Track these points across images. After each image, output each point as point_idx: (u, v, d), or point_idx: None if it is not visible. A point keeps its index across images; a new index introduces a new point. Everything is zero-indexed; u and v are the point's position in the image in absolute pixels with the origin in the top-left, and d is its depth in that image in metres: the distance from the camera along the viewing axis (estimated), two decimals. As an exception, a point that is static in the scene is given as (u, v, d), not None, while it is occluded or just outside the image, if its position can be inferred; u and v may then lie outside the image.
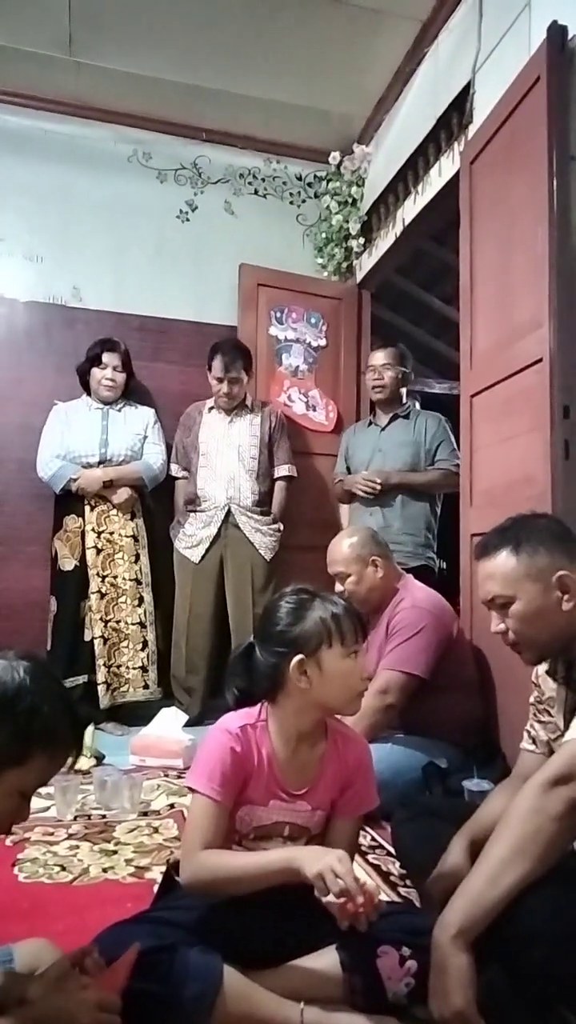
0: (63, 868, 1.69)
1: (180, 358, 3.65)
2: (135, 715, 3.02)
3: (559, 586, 1.22)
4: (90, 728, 2.57)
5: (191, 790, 1.17)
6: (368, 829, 1.88)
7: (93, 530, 3.12)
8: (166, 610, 3.26)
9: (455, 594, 2.54)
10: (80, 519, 3.13)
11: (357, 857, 1.61)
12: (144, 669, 3.13)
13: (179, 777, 2.36)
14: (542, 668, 1.35)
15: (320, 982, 1.08)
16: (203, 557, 3.18)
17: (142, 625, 3.16)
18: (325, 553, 2.35)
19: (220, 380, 3.20)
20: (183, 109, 3.61)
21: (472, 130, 2.66)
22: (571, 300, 2.09)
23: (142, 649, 3.14)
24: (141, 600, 3.17)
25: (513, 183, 2.30)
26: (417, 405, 3.29)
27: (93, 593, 3.08)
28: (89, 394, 3.31)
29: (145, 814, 2.06)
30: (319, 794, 1.23)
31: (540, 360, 2.11)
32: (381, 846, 1.84)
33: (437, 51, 3.02)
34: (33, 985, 0.91)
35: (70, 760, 0.95)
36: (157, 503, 3.35)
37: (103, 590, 3.10)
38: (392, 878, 1.66)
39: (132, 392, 3.40)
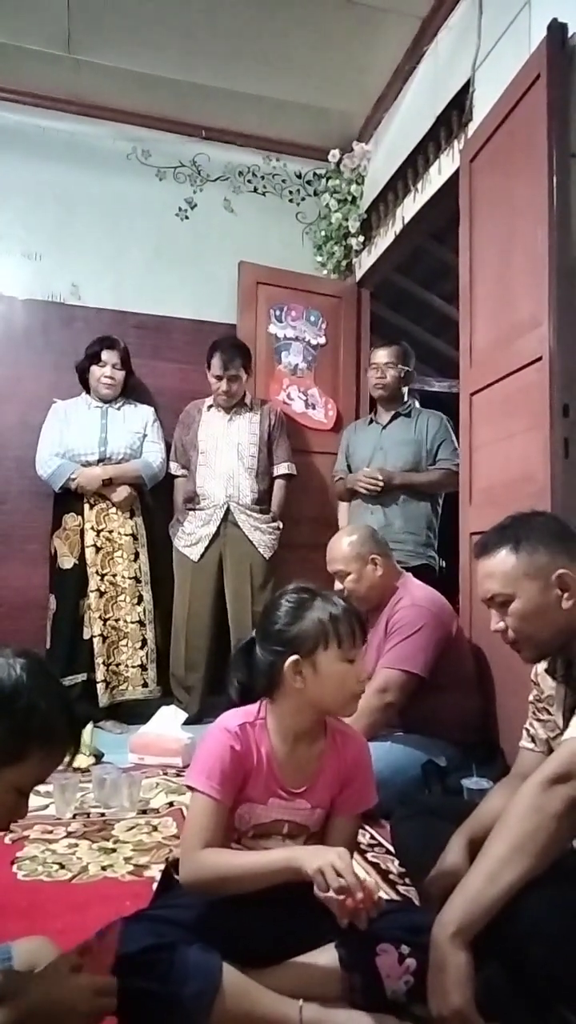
0: (62, 866, 1.69)
1: (179, 356, 3.65)
2: (134, 713, 3.02)
3: (558, 584, 1.22)
4: (89, 726, 2.57)
5: (190, 788, 1.17)
6: (367, 827, 1.89)
7: (92, 528, 3.12)
8: (165, 608, 3.25)
9: (455, 593, 2.54)
10: (79, 517, 3.13)
11: (356, 855, 1.61)
12: (143, 667, 3.13)
13: (178, 775, 2.36)
14: (541, 666, 1.35)
15: (319, 980, 1.08)
16: (202, 555, 3.18)
17: (141, 623, 3.16)
18: (324, 551, 2.35)
19: (219, 378, 3.20)
20: (182, 107, 3.61)
21: (472, 128, 2.66)
22: (571, 298, 2.09)
23: (141, 647, 3.14)
24: (140, 598, 3.16)
25: (513, 181, 2.30)
26: (417, 403, 3.28)
27: (92, 591, 3.08)
28: (88, 392, 3.31)
29: (144, 812, 2.06)
30: (318, 792, 1.23)
31: (540, 358, 2.11)
32: (380, 844, 1.84)
33: (437, 49, 3.01)
34: (31, 983, 0.91)
35: (68, 757, 0.94)
36: (156, 501, 3.35)
37: (102, 588, 3.10)
38: (391, 876, 1.66)
39: (131, 390, 3.40)
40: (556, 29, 2.13)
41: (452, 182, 2.80)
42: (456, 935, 1.01)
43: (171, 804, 2.12)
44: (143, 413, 3.36)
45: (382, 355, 3.19)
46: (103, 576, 3.11)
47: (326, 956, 1.10)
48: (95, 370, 3.25)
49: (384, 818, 1.76)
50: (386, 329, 4.76)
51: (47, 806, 2.05)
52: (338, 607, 1.20)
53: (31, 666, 0.89)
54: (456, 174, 2.74)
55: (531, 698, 1.39)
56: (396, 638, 2.16)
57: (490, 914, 1.02)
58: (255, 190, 3.88)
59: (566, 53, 2.12)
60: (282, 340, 3.72)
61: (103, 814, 2.04)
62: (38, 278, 3.55)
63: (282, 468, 3.32)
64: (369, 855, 1.78)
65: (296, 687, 1.17)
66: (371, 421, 3.27)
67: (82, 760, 2.39)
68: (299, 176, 3.94)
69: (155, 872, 1.63)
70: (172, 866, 1.24)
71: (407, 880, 1.60)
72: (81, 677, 3.03)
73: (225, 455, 3.22)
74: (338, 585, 2.26)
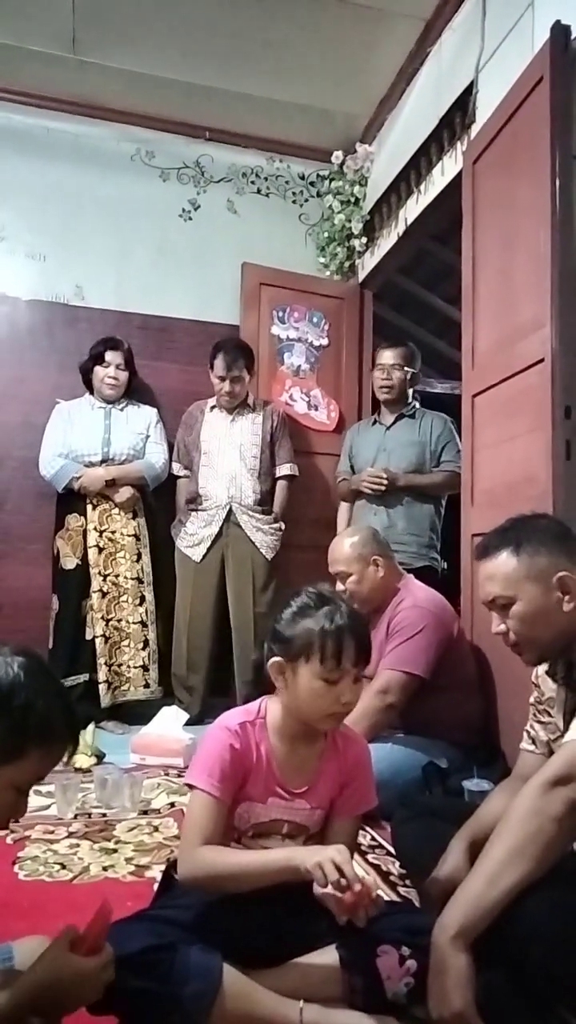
0: (63, 866, 1.70)
1: (182, 357, 3.66)
2: (136, 714, 3.02)
3: (560, 587, 1.22)
4: (91, 727, 2.58)
5: (190, 786, 1.17)
6: (368, 829, 1.89)
7: (95, 529, 3.13)
8: (167, 609, 3.26)
9: (456, 594, 2.54)
10: (82, 518, 3.14)
11: (357, 856, 1.61)
12: (145, 668, 3.13)
13: (179, 776, 2.36)
14: (542, 669, 1.35)
15: (320, 981, 1.08)
16: (204, 556, 3.19)
17: (143, 624, 3.16)
18: (326, 552, 2.35)
19: (222, 379, 3.21)
20: (186, 108, 3.61)
21: (475, 130, 2.66)
22: (573, 300, 2.09)
23: (143, 648, 3.14)
24: (142, 599, 3.17)
25: (516, 183, 2.30)
26: (418, 405, 3.28)
27: (95, 592, 3.09)
28: (92, 393, 3.31)
29: (145, 813, 2.07)
30: (318, 793, 1.23)
31: (542, 360, 2.11)
32: (381, 846, 1.84)
33: (440, 50, 3.01)
34: (33, 965, 0.91)
35: (67, 755, 0.95)
36: (159, 502, 3.35)
37: (105, 589, 3.10)
38: (392, 878, 1.66)
39: (134, 391, 3.41)
40: (559, 31, 2.13)
41: (455, 184, 2.80)
42: (457, 937, 1.01)
43: (172, 805, 2.13)
44: (146, 414, 3.36)
45: (388, 356, 3.18)
46: (105, 577, 3.11)
47: (327, 957, 1.10)
48: (99, 371, 3.26)
49: (385, 819, 1.76)
50: (388, 330, 4.75)
51: (49, 806, 2.06)
52: (334, 624, 1.14)
53: (29, 664, 0.90)
54: (459, 176, 2.73)
55: (532, 700, 1.39)
56: (397, 639, 2.16)
57: (491, 916, 1.02)
58: (258, 191, 3.88)
59: (569, 55, 2.12)
60: (285, 341, 3.73)
61: (104, 814, 2.04)
62: (42, 279, 3.55)
63: (284, 469, 3.33)
64: (370, 856, 1.78)
65: (280, 687, 1.18)
66: (375, 422, 3.27)
67: (84, 760, 2.39)
68: (302, 177, 3.94)
69: (156, 873, 1.63)
70: (173, 866, 1.24)
71: (408, 882, 1.60)
72: (83, 677, 3.03)
73: (227, 456, 3.22)
74: (339, 586, 2.26)
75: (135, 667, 3.12)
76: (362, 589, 2.24)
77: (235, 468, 3.21)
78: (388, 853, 1.77)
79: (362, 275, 3.86)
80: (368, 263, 3.80)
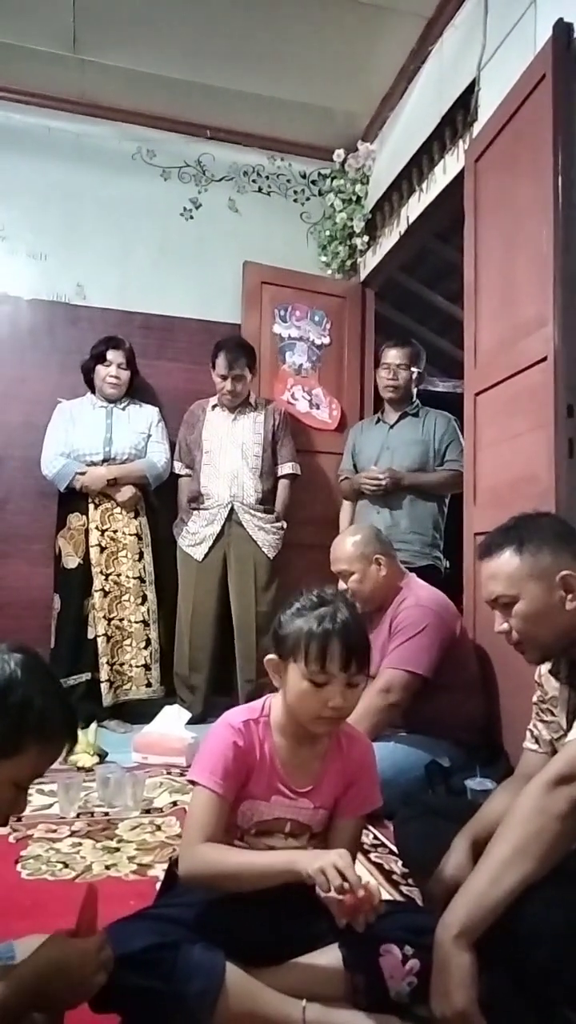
0: (66, 865, 1.70)
1: (184, 356, 3.66)
2: (138, 713, 3.02)
3: (562, 586, 1.22)
4: (93, 726, 2.58)
5: (193, 783, 1.17)
6: (371, 828, 1.89)
7: (97, 528, 3.13)
8: (169, 608, 3.26)
9: (459, 593, 2.53)
10: (84, 517, 3.14)
11: (359, 856, 1.61)
12: (147, 667, 3.13)
13: (181, 775, 2.36)
14: (545, 668, 1.35)
15: (322, 980, 1.08)
16: (206, 555, 3.19)
17: (145, 623, 3.16)
18: (328, 551, 2.35)
19: (224, 378, 3.21)
20: (187, 107, 3.61)
21: (477, 128, 2.66)
22: (575, 299, 2.09)
23: (145, 647, 3.14)
24: (144, 598, 3.17)
25: (518, 181, 2.30)
26: (420, 403, 3.27)
27: (96, 591, 3.09)
28: (93, 392, 3.31)
29: (148, 811, 2.07)
30: (322, 792, 1.23)
31: (544, 359, 2.11)
32: (383, 845, 1.84)
33: (442, 48, 3.01)
34: (33, 954, 0.91)
35: (65, 752, 0.95)
36: (161, 501, 3.35)
37: (106, 588, 3.11)
38: (394, 877, 1.66)
39: (136, 390, 3.41)
40: (562, 29, 2.12)
41: (457, 182, 2.79)
42: (459, 936, 1.01)
43: (175, 803, 2.13)
44: (148, 413, 3.36)
45: (395, 356, 3.16)
46: (107, 576, 3.11)
47: (329, 956, 1.10)
48: (100, 370, 3.26)
49: (387, 818, 1.76)
50: (390, 329, 4.75)
51: (51, 805, 2.06)
52: (322, 626, 1.12)
53: (26, 662, 0.90)
54: (461, 174, 2.73)
55: (535, 699, 1.39)
56: (400, 638, 2.16)
57: (494, 915, 1.02)
58: (260, 190, 3.88)
59: (572, 53, 2.12)
60: (286, 340, 3.73)
61: (107, 813, 2.04)
62: (43, 278, 3.55)
63: (286, 468, 3.33)
64: (372, 855, 1.78)
65: (277, 685, 1.19)
66: (378, 420, 3.27)
67: (86, 759, 2.40)
68: (304, 176, 3.94)
69: (159, 871, 1.63)
70: (175, 865, 1.24)
71: (410, 881, 1.60)
72: (85, 677, 3.04)
73: (229, 455, 3.22)
74: (342, 585, 2.26)
75: (137, 666, 3.12)
76: (364, 588, 2.24)
77: (237, 467, 3.21)
78: (391, 852, 1.77)
79: (364, 273, 3.86)
80: (370, 261, 3.79)
